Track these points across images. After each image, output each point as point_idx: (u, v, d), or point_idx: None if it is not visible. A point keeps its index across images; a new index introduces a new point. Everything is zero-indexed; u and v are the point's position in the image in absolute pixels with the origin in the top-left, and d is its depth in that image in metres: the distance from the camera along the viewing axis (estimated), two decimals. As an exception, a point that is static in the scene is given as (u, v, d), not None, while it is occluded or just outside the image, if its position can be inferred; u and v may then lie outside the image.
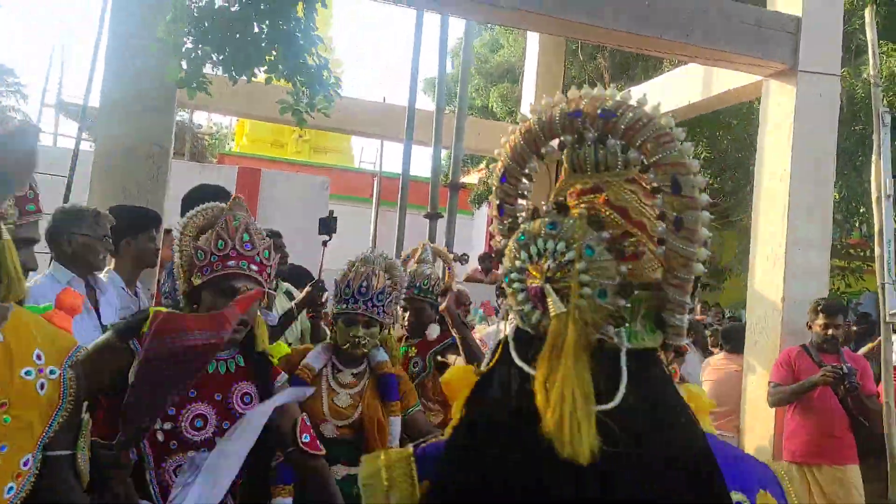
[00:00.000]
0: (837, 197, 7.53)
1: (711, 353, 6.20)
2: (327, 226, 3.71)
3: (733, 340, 5.27)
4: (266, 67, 3.87)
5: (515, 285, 0.95)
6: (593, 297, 0.88)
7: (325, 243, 3.66)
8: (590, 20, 4.90)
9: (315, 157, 15.78)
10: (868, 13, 5.16)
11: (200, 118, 16.22)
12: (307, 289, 3.49)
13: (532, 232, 0.94)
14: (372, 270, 2.62)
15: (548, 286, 0.90)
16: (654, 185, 0.90)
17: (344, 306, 2.59)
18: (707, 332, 7.25)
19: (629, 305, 0.91)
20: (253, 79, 3.94)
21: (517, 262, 0.95)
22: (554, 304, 0.89)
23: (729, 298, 11.81)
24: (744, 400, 5.05)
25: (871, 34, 5.22)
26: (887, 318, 4.70)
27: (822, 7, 5.23)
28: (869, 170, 5.03)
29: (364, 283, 2.57)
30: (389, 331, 2.77)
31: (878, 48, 5.25)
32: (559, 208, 0.94)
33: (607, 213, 0.94)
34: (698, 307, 9.19)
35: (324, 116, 4.04)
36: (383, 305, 2.61)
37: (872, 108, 5.13)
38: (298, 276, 4.52)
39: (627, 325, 0.92)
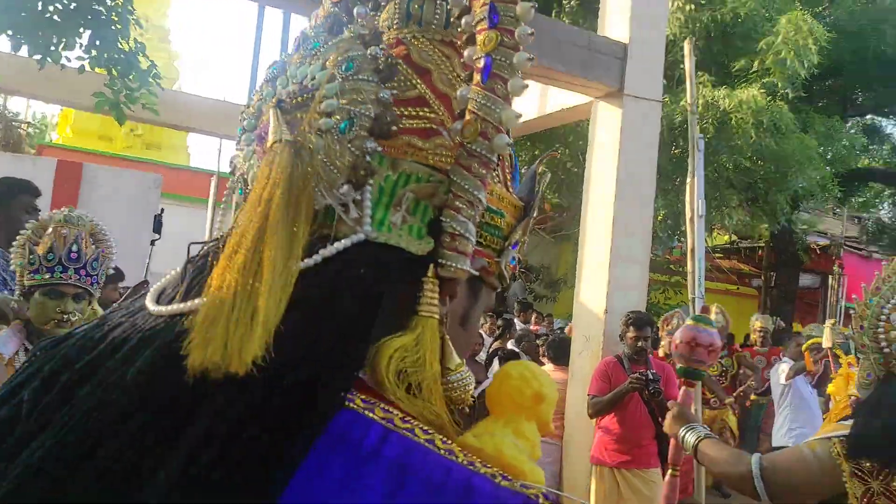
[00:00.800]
0: (661, 216, 8.05)
1: (542, 364, 6.40)
2: (160, 225, 3.50)
3: (557, 352, 5.45)
4: (76, 51, 3.54)
5: (245, 137, 0.70)
6: (333, 131, 0.63)
7: (153, 242, 3.43)
8: (431, 30, 4.91)
9: (147, 153, 14.86)
10: (687, 45, 5.52)
11: (19, 105, 14.83)
12: (130, 291, 3.23)
13: (289, 60, 0.70)
14: (79, 234, 2.25)
15: (276, 110, 0.65)
16: (473, 27, 0.67)
17: (49, 276, 2.17)
18: (539, 343, 7.48)
19: (388, 174, 0.65)
20: (67, 63, 3.59)
21: (257, 104, 0.70)
22: (275, 130, 0.63)
23: (564, 309, 12.34)
24: (568, 407, 5.23)
25: (689, 65, 5.59)
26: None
27: (647, 36, 5.55)
28: (683, 191, 5.38)
29: (74, 248, 2.21)
30: (94, 307, 2.37)
31: (695, 78, 5.63)
32: (333, 26, 0.71)
33: (402, 68, 0.68)
34: (533, 317, 9.50)
35: (156, 109, 3.75)
36: (97, 275, 2.27)
37: (689, 134, 5.50)
38: (114, 278, 4.18)
39: (374, 189, 0.64)
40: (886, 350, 1.96)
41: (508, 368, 0.72)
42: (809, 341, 6.35)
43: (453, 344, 0.69)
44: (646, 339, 4.55)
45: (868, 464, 1.86)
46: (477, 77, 0.66)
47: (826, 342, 5.84)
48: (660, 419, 4.59)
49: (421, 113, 0.68)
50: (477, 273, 0.68)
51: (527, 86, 0.66)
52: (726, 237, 13.65)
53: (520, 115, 0.66)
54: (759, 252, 14.23)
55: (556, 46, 5.27)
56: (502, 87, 0.65)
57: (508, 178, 0.76)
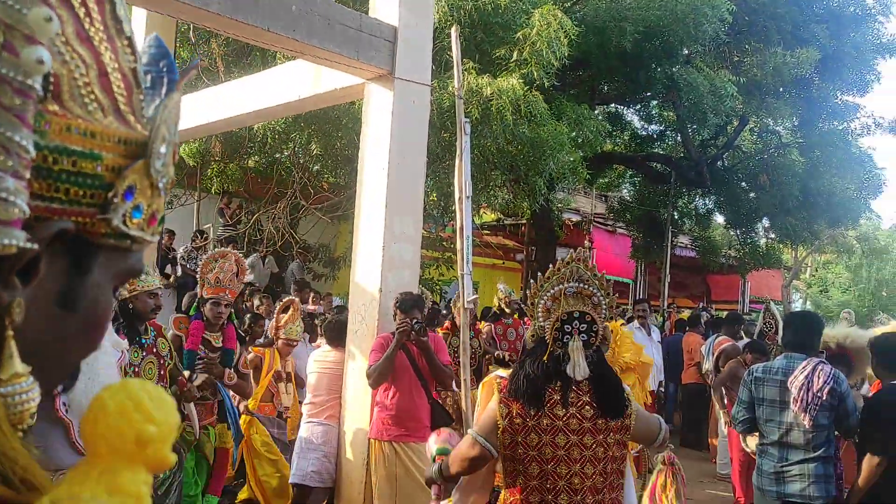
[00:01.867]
0: (434, 196, 8.36)
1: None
2: None
3: (334, 333, 5.48)
4: None
5: None
6: None
7: None
8: (196, 2, 4.64)
9: None
10: (454, 32, 5.74)
11: None
12: None
13: None
14: None
15: None
16: None
17: None
18: (316, 322, 7.47)
19: None
20: None
21: None
22: None
23: (344, 288, 12.39)
24: (345, 387, 5.29)
25: (455, 51, 5.82)
26: (466, 305, 5.32)
27: (415, 21, 5.68)
28: (452, 173, 5.63)
29: None
30: None
31: (461, 65, 5.88)
32: None
33: None
34: (311, 296, 9.45)
35: None
36: None
37: (456, 118, 5.74)
38: None
39: None
40: (539, 325, 2.63)
41: (105, 399, 0.52)
42: None
43: (55, 334, 0.55)
44: (413, 320, 4.73)
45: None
46: None
47: None
48: (433, 394, 4.83)
49: None
50: (34, 245, 0.49)
51: None
52: (493, 215, 14.50)
53: (50, 18, 0.47)
54: (522, 228, 15.29)
55: (325, 25, 5.23)
56: None
57: (128, 102, 0.56)
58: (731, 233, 16.37)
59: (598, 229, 16.24)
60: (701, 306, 18.61)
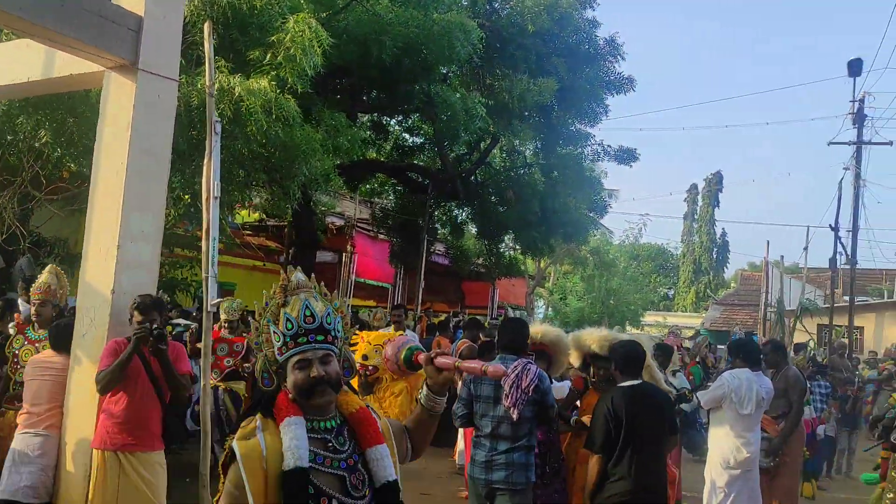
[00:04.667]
0: (188, 197, 8.02)
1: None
2: None
3: (60, 338, 5.10)
4: None
5: None
6: None
7: None
8: None
9: None
10: (207, 27, 5.62)
11: None
12: None
13: None
14: None
15: None
16: None
17: None
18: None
19: None
20: None
21: None
22: None
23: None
24: (68, 393, 4.93)
25: (208, 47, 5.69)
26: (209, 308, 5.23)
27: (163, 12, 5.46)
28: (202, 172, 5.50)
29: None
30: None
31: (213, 62, 5.76)
32: None
33: None
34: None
35: None
36: None
37: (207, 117, 5.62)
38: None
39: None
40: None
41: None
42: None
43: None
44: (152, 322, 4.57)
45: None
46: None
47: None
48: (166, 400, 4.67)
49: None
50: None
51: None
52: (256, 215, 14.22)
53: None
54: (285, 230, 15.15)
55: (62, 8, 4.87)
56: None
57: None
58: (482, 243, 17.54)
59: (360, 234, 16.56)
60: (454, 312, 19.76)
